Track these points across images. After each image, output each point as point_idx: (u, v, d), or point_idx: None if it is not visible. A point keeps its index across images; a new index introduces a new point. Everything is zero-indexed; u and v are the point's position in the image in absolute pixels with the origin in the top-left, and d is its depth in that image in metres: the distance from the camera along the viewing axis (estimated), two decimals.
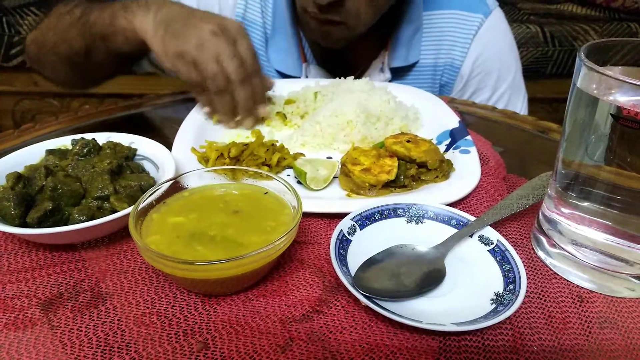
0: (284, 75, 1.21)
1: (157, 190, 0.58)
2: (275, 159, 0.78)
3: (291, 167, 0.79)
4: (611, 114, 0.48)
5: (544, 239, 0.61)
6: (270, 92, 0.99)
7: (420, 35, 1.19)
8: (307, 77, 1.20)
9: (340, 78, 1.08)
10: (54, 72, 1.11)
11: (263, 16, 1.19)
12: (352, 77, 1.15)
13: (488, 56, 1.21)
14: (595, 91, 0.50)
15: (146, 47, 0.90)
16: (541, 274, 0.59)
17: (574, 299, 0.55)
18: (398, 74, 1.22)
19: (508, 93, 1.26)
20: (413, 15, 1.16)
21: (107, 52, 0.97)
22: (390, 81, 1.21)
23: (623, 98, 0.48)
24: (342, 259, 0.56)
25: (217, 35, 0.82)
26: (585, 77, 0.51)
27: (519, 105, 1.28)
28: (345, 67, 1.24)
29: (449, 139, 0.87)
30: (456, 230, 0.62)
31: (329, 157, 0.84)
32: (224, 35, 0.83)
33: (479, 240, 0.60)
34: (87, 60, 1.00)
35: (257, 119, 0.92)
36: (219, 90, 0.85)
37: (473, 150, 0.80)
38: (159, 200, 0.59)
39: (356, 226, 0.61)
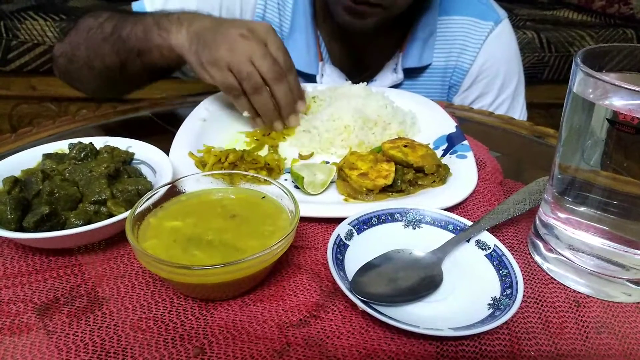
0: (299, 73, 1.24)
1: (154, 194, 0.58)
2: (275, 161, 0.79)
3: (289, 172, 0.79)
4: (607, 119, 0.48)
5: (540, 244, 0.61)
6: None
7: (434, 39, 1.24)
8: (322, 75, 1.24)
9: (354, 77, 1.11)
10: (84, 84, 1.13)
11: (280, 16, 1.23)
12: (366, 75, 1.22)
13: (495, 61, 1.25)
14: (591, 96, 0.50)
15: (182, 61, 0.93)
16: (538, 278, 0.59)
17: (571, 304, 0.55)
18: (410, 75, 1.26)
19: (509, 100, 1.30)
20: (428, 19, 1.21)
21: (143, 67, 0.99)
22: (402, 82, 1.25)
23: (619, 103, 0.48)
24: (340, 264, 0.56)
25: (247, 37, 0.84)
26: (582, 83, 0.51)
27: (518, 111, 1.31)
28: (359, 67, 1.27)
29: (446, 144, 0.87)
30: (453, 235, 0.62)
31: (326, 162, 0.84)
32: (253, 37, 0.85)
33: (476, 245, 0.60)
34: (122, 74, 1.02)
35: (298, 115, 0.93)
36: (255, 89, 0.85)
37: (470, 155, 0.80)
38: (156, 204, 0.59)
39: (353, 231, 0.61)
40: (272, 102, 0.88)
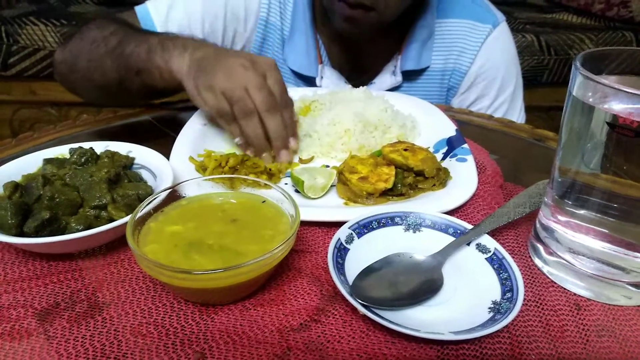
0: (299, 75, 1.26)
1: (154, 199, 0.58)
2: (275, 165, 0.80)
3: (289, 176, 0.79)
4: (607, 122, 0.49)
5: (541, 247, 0.61)
6: None
7: (432, 41, 1.24)
8: (322, 77, 1.24)
9: (354, 80, 1.12)
10: (85, 93, 1.13)
11: (281, 18, 1.24)
12: (365, 78, 1.23)
13: (493, 63, 1.26)
14: (591, 99, 0.50)
15: (180, 87, 0.91)
16: (538, 282, 0.59)
17: (572, 307, 0.55)
18: (409, 77, 1.26)
19: (508, 102, 1.30)
20: (427, 22, 1.21)
21: (141, 85, 0.98)
22: (400, 84, 1.25)
23: (619, 106, 0.49)
24: (340, 268, 0.56)
25: (247, 68, 0.82)
26: (581, 86, 0.52)
27: (516, 114, 1.31)
28: (358, 70, 1.28)
29: (446, 148, 0.87)
30: (453, 239, 0.62)
31: (327, 166, 0.84)
32: (253, 69, 0.83)
33: (476, 248, 0.60)
34: (119, 90, 1.01)
35: (290, 151, 0.87)
36: (245, 113, 0.82)
37: (470, 158, 0.80)
38: (156, 209, 0.59)
39: (354, 235, 0.61)
40: (263, 131, 0.83)
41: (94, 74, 1.02)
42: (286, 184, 0.79)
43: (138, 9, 1.15)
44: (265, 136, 0.84)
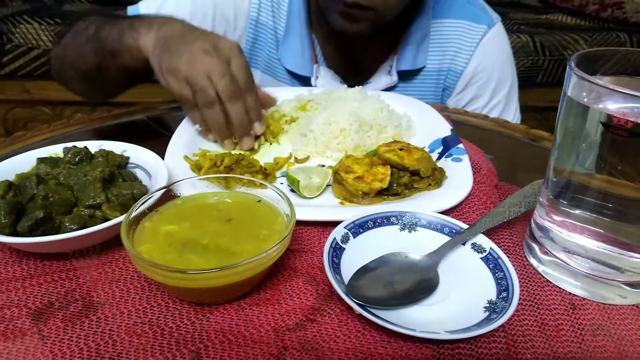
0: (294, 75, 1.26)
1: (149, 198, 0.58)
2: (271, 166, 0.79)
3: (284, 175, 0.79)
4: (601, 123, 0.49)
5: (536, 247, 0.61)
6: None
7: (428, 42, 1.25)
8: (317, 77, 1.24)
9: (349, 80, 1.14)
10: (74, 86, 1.15)
11: (274, 18, 1.23)
12: (361, 78, 1.24)
13: (488, 64, 1.26)
14: (585, 100, 0.51)
15: (149, 65, 0.91)
16: (534, 281, 0.59)
17: (567, 307, 0.56)
18: (404, 77, 1.26)
19: (503, 103, 1.30)
20: (422, 22, 1.22)
21: (117, 68, 0.99)
22: (396, 84, 1.25)
23: (613, 106, 0.49)
24: (336, 267, 0.56)
25: (209, 53, 0.82)
26: (576, 86, 0.52)
27: (511, 114, 1.31)
28: (354, 70, 1.28)
29: (442, 147, 0.87)
30: (449, 238, 0.62)
31: (322, 165, 0.84)
32: (216, 53, 0.82)
33: (472, 248, 0.60)
34: (101, 75, 1.02)
35: (254, 138, 0.88)
36: (206, 103, 0.82)
37: (465, 158, 0.81)
38: (151, 208, 0.58)
39: (349, 234, 0.61)
40: (224, 119, 0.84)
41: (78, 62, 1.03)
42: (282, 183, 0.78)
43: (130, 8, 1.16)
44: (227, 124, 0.85)
